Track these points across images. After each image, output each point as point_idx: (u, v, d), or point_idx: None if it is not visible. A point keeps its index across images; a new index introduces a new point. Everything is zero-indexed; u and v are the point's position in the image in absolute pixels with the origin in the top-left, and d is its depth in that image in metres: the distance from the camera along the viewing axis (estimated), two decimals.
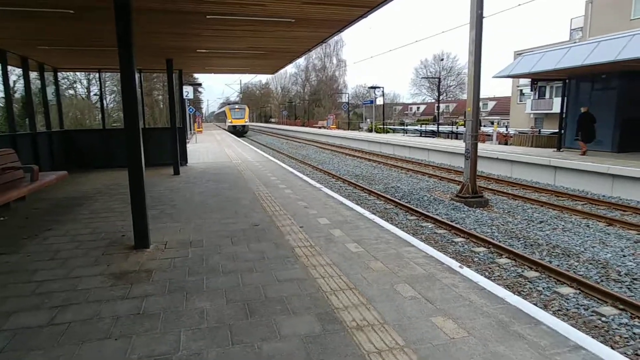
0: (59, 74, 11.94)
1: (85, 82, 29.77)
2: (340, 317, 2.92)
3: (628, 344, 4.16)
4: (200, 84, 44.32)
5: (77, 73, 27.28)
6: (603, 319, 4.59)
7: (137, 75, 4.39)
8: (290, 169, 11.09)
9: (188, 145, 15.75)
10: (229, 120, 43.89)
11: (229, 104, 49.73)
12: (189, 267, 3.90)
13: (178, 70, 12.39)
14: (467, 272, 3.75)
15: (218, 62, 11.04)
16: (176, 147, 10.43)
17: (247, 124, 45.32)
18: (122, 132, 4.43)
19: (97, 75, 15.30)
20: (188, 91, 23.67)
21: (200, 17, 6.03)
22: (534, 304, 4.16)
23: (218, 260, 4.08)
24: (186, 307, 3.09)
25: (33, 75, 10.69)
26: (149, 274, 3.75)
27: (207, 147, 19.56)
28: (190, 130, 31.05)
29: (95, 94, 29.41)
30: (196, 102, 52.30)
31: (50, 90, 11.85)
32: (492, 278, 5.69)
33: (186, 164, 12.23)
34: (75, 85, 29.14)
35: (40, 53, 8.95)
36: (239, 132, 42.51)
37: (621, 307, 4.80)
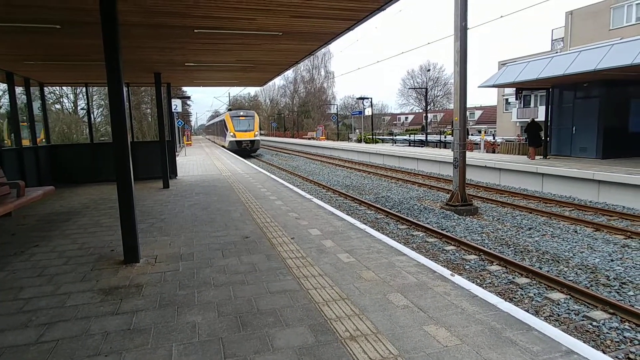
0: (45, 88, 11.85)
1: (72, 96, 29.53)
2: (333, 327, 2.90)
3: (619, 347, 4.19)
4: (188, 97, 43.66)
5: (64, 87, 27.07)
6: (594, 323, 4.63)
7: (124, 89, 4.38)
8: (281, 181, 11.08)
9: (177, 158, 15.66)
10: (231, 134, 31.04)
11: (230, 111, 35.87)
12: (180, 281, 3.86)
13: (166, 84, 12.38)
14: (459, 280, 3.77)
15: (206, 75, 11.06)
16: (165, 161, 10.37)
17: (257, 138, 32.05)
18: (110, 146, 4.40)
19: (84, 89, 15.22)
20: (177, 104, 23.63)
21: (187, 31, 6.06)
22: (526, 310, 4.19)
23: (209, 274, 4.05)
24: (177, 321, 3.05)
25: (18, 90, 10.59)
26: (139, 288, 3.70)
27: (196, 160, 19.48)
28: (180, 143, 30.89)
29: (82, 109, 29.18)
30: (185, 115, 51.79)
31: (36, 105, 11.73)
32: (484, 285, 5.72)
33: (176, 177, 12.15)
34: (62, 100, 28.90)
35: (26, 68, 8.88)
36: (247, 149, 30.75)
37: (611, 311, 4.85)
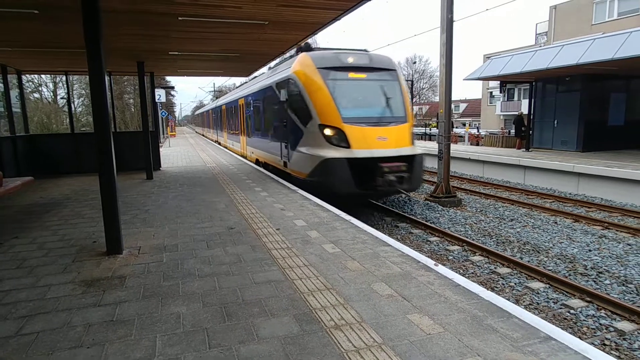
0: (23, 76, 11.52)
1: (51, 85, 28.76)
2: (318, 317, 2.92)
3: (595, 334, 4.33)
4: (172, 87, 42.81)
5: (43, 76, 26.35)
6: (571, 311, 4.77)
7: (106, 78, 4.28)
8: (266, 172, 11.02)
9: (161, 149, 15.44)
10: (326, 132, 7.84)
11: (307, 51, 8.90)
12: (164, 272, 3.83)
13: (149, 73, 12.15)
14: (442, 269, 3.82)
15: (191, 64, 10.89)
16: (149, 151, 10.21)
17: (418, 150, 8.37)
18: (92, 137, 4.31)
19: (64, 77, 14.77)
20: (160, 94, 23.21)
21: (171, 19, 5.94)
22: (507, 299, 4.28)
23: (194, 265, 4.02)
24: (161, 312, 3.03)
25: None
26: (122, 280, 3.66)
27: (180, 151, 19.24)
28: (164, 134, 30.44)
29: (62, 98, 28.46)
30: (169, 105, 50.83)
31: (13, 94, 11.41)
32: (467, 275, 5.82)
33: (160, 168, 11.99)
34: (40, 89, 28.11)
35: (3, 55, 8.62)
36: (393, 186, 7.81)
37: (588, 299, 4.99)
